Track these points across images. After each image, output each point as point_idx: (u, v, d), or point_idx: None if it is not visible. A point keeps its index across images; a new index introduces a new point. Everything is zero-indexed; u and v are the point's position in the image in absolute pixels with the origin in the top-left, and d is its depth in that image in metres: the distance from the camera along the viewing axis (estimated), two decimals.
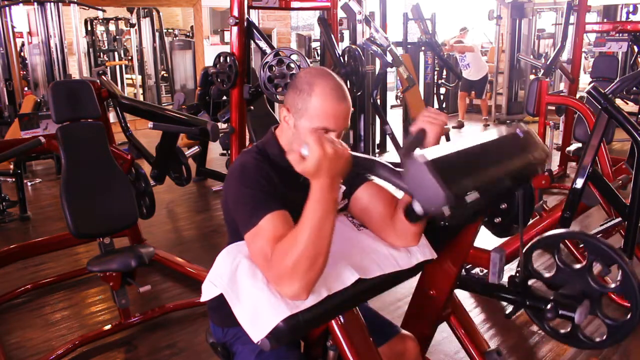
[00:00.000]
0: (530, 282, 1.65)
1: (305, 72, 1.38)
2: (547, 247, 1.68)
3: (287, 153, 1.15)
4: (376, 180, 1.50)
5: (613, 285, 1.56)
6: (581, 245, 3.13)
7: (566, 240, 3.17)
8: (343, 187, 1.48)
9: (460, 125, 8.01)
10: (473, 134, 1.33)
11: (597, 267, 1.55)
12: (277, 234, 1.19)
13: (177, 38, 10.37)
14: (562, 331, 1.63)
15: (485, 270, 1.75)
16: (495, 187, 1.21)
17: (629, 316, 1.50)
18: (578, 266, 1.56)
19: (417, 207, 1.09)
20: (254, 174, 1.31)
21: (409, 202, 1.12)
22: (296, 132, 1.34)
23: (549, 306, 1.53)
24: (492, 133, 1.30)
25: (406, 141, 1.33)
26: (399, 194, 1.42)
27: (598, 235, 3.13)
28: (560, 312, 1.52)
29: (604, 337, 1.56)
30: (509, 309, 1.73)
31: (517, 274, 1.63)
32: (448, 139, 6.24)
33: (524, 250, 1.62)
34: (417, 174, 1.05)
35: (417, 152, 1.08)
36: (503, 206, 1.60)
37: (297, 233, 1.14)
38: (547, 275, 1.61)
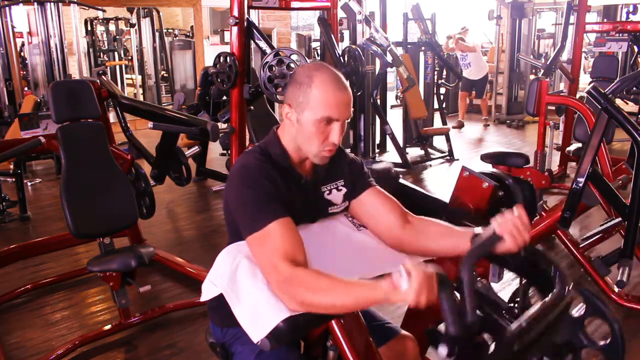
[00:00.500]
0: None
1: (303, 67, 1.39)
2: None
3: (392, 274, 1.08)
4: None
5: (601, 343, 1.55)
6: (582, 245, 3.14)
7: (566, 240, 3.17)
8: (344, 190, 1.48)
9: (460, 125, 8.02)
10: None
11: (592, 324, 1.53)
12: (284, 242, 1.20)
13: (177, 38, 10.37)
14: None
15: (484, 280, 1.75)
16: None
17: None
18: (574, 316, 1.56)
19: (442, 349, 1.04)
20: (257, 175, 1.31)
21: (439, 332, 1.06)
22: (300, 127, 1.34)
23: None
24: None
25: (480, 238, 1.23)
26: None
27: (598, 235, 3.15)
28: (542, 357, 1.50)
29: None
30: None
31: (515, 306, 1.60)
32: (448, 139, 6.25)
33: (523, 283, 1.61)
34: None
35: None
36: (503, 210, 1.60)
37: (332, 287, 1.14)
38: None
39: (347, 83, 1.35)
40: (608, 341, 1.50)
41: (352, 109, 1.36)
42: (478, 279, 1.73)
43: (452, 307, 1.03)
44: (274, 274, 1.18)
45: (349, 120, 1.39)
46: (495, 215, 1.57)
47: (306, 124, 1.32)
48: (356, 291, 1.12)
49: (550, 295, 1.22)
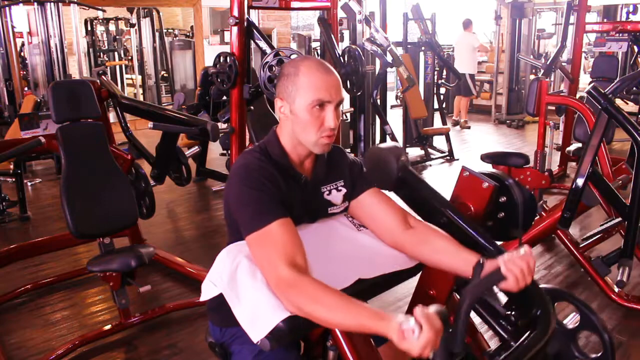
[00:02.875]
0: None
1: (288, 62, 1.41)
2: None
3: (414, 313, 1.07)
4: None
5: (593, 356, 1.55)
6: (582, 245, 3.13)
7: (566, 240, 3.17)
8: (344, 190, 1.48)
9: (464, 126, 8.07)
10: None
11: (583, 338, 1.54)
12: (285, 243, 1.20)
13: (177, 38, 10.37)
14: None
15: None
16: None
17: None
18: (570, 327, 1.56)
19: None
20: (258, 174, 1.31)
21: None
22: (295, 118, 1.34)
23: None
24: None
25: (484, 275, 1.21)
26: (405, 206, 1.44)
27: (598, 235, 3.15)
28: None
29: None
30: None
31: (513, 314, 1.59)
32: (448, 139, 6.25)
33: None
34: None
35: None
36: (500, 215, 1.60)
37: (338, 307, 1.12)
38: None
39: (332, 67, 1.36)
40: (600, 354, 1.50)
41: (342, 93, 1.36)
42: None
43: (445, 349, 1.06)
44: (273, 275, 1.18)
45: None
46: (494, 225, 1.57)
47: (300, 112, 1.32)
48: (362, 318, 1.10)
49: (532, 335, 1.25)
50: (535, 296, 1.30)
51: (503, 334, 1.45)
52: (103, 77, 3.68)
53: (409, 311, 1.76)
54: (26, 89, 6.91)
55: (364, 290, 1.29)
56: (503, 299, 1.36)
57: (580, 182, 2.63)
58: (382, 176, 1.52)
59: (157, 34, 9.17)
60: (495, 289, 1.37)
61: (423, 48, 6.91)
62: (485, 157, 2.32)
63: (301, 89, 1.31)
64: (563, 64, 5.51)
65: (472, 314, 1.31)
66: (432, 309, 1.05)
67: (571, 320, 1.58)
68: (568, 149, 4.82)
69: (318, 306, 1.13)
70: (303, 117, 1.32)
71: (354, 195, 1.48)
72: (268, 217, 1.23)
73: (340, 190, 1.47)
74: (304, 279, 1.16)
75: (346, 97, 4.52)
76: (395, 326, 1.04)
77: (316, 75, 1.31)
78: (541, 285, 1.46)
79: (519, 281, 1.19)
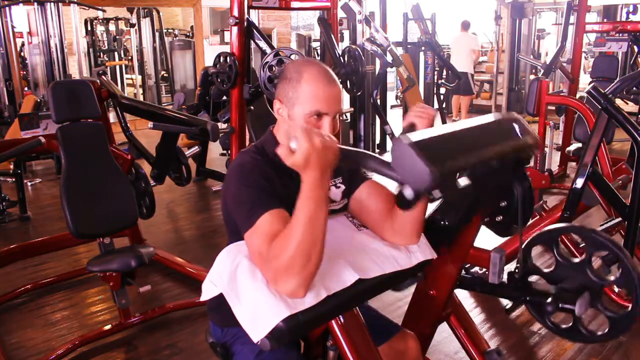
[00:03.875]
0: (530, 279, 1.65)
1: (292, 63, 1.41)
2: (546, 241, 1.68)
3: (277, 147, 1.14)
4: (376, 178, 1.51)
5: (613, 278, 1.55)
6: (582, 245, 3.13)
7: (566, 240, 3.17)
8: (342, 187, 1.48)
9: None
10: (462, 120, 1.32)
11: (596, 262, 1.54)
12: (273, 232, 1.19)
13: (177, 38, 10.37)
14: (564, 326, 1.62)
15: (485, 270, 1.75)
16: (485, 170, 1.18)
17: (629, 308, 1.50)
18: (577, 260, 1.56)
19: (407, 191, 1.07)
20: (253, 173, 1.31)
21: (399, 190, 1.11)
22: (291, 123, 1.34)
23: (549, 300, 1.52)
24: (482, 119, 1.28)
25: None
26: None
27: None
28: (560, 305, 1.51)
29: (606, 331, 1.56)
30: (509, 306, 1.72)
31: (517, 270, 1.63)
32: None
33: (523, 246, 1.62)
34: (403, 156, 1.03)
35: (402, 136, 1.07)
36: (503, 204, 1.59)
37: (291, 229, 1.14)
38: (546, 270, 1.61)
39: (335, 77, 1.36)
40: (618, 274, 1.50)
41: (342, 104, 1.37)
42: (480, 270, 1.75)
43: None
44: (266, 266, 1.17)
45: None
46: (495, 215, 1.57)
47: (297, 118, 1.33)
48: (300, 208, 1.12)
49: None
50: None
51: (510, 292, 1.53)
52: (103, 77, 3.69)
53: (409, 311, 1.77)
54: (26, 89, 6.92)
55: (364, 290, 1.29)
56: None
57: (580, 182, 2.63)
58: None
59: (157, 34, 9.18)
60: None
61: (423, 48, 6.92)
62: None
63: (301, 97, 1.32)
64: (563, 64, 5.51)
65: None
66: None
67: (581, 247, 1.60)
68: (568, 149, 4.81)
69: (291, 249, 1.12)
70: (299, 124, 1.32)
71: (352, 190, 1.48)
72: (259, 211, 1.23)
73: (339, 187, 1.48)
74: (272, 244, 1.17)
75: (346, 97, 4.51)
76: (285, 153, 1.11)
77: (318, 85, 1.31)
78: (557, 225, 1.59)
79: (421, 116, 1.38)
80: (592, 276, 1.52)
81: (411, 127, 1.37)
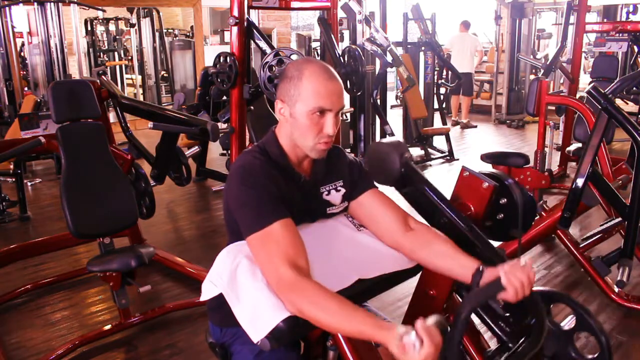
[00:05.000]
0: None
1: (291, 63, 1.40)
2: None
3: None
4: (381, 188, 1.51)
5: (589, 357, 1.56)
6: (582, 245, 3.13)
7: (566, 240, 3.17)
8: (343, 190, 1.48)
9: (464, 126, 8.07)
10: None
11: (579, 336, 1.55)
12: (286, 244, 1.20)
13: (177, 38, 10.37)
14: None
15: None
16: None
17: None
18: (565, 329, 1.56)
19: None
20: (258, 174, 1.31)
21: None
22: (294, 121, 1.34)
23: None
24: None
25: (483, 284, 1.25)
26: (403, 204, 1.43)
27: (598, 235, 3.15)
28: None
29: None
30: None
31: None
32: (448, 139, 6.25)
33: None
34: None
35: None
36: (500, 216, 1.60)
37: (339, 312, 1.12)
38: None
39: (336, 73, 1.35)
40: (596, 355, 1.50)
41: (344, 100, 1.36)
42: None
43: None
44: (274, 275, 1.18)
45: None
46: (492, 226, 1.57)
47: (300, 116, 1.32)
48: (362, 326, 1.10)
49: (526, 343, 1.29)
50: (531, 304, 1.31)
51: (501, 335, 1.45)
52: (103, 77, 3.68)
53: (409, 311, 1.77)
54: (26, 89, 6.91)
55: (364, 290, 1.29)
56: (501, 301, 1.37)
57: (580, 182, 2.63)
58: (384, 172, 1.51)
59: (157, 34, 9.17)
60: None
61: (423, 48, 6.91)
62: (485, 157, 2.32)
63: (303, 94, 1.31)
64: (563, 64, 5.51)
65: (473, 314, 1.32)
66: (432, 320, 1.05)
67: (568, 322, 1.59)
68: (568, 149, 4.81)
69: (319, 310, 1.12)
70: (302, 122, 1.32)
71: (353, 195, 1.48)
72: (269, 217, 1.23)
73: (339, 191, 1.47)
74: (306, 281, 1.16)
75: (346, 97, 4.51)
76: (396, 338, 1.04)
77: (319, 81, 1.31)
78: (538, 288, 1.48)
79: (518, 293, 1.19)
80: (570, 350, 1.53)
81: (500, 288, 1.20)
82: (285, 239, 1.21)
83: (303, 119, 1.31)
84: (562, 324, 1.58)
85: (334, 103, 1.32)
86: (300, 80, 1.31)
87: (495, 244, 1.47)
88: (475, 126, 8.12)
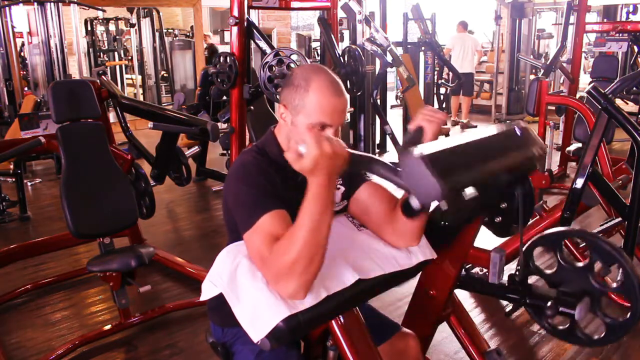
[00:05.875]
0: (531, 281, 1.65)
1: (300, 68, 1.39)
2: (549, 244, 1.69)
3: (284, 151, 1.14)
4: (376, 180, 1.51)
5: (614, 285, 1.56)
6: (582, 245, 3.13)
7: (566, 240, 3.17)
8: (342, 188, 1.48)
9: (465, 126, 8.07)
10: (470, 131, 1.33)
11: (598, 266, 1.55)
12: (273, 233, 1.19)
13: (177, 38, 10.37)
14: (561, 328, 1.63)
15: (485, 270, 1.75)
16: (492, 183, 1.19)
17: (628, 315, 1.50)
18: (579, 264, 1.56)
19: (414, 202, 1.09)
20: (255, 172, 1.31)
21: (405, 197, 1.12)
22: (293, 129, 1.34)
23: (549, 303, 1.53)
24: (490, 129, 1.29)
25: (404, 139, 1.33)
26: (399, 194, 1.42)
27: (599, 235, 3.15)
28: (560, 309, 1.52)
29: (602, 335, 1.56)
30: (509, 307, 1.73)
31: (517, 273, 1.63)
32: None
33: (524, 248, 1.62)
34: (413, 168, 1.04)
35: (414, 147, 1.07)
36: (503, 205, 1.59)
37: (294, 232, 1.14)
38: (548, 272, 1.61)
39: (343, 87, 1.35)
40: (620, 280, 1.51)
41: (347, 114, 1.36)
42: (480, 270, 1.75)
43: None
44: (264, 267, 1.17)
45: (348, 120, 1.39)
46: (495, 216, 1.57)
47: (300, 127, 1.32)
48: (306, 212, 1.12)
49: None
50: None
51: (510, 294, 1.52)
52: (103, 77, 3.68)
53: (409, 311, 1.77)
54: (26, 89, 6.91)
55: (364, 290, 1.29)
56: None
57: (580, 182, 2.63)
58: None
59: (157, 34, 9.17)
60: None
61: (423, 48, 6.92)
62: None
63: (307, 107, 1.30)
64: (563, 64, 5.51)
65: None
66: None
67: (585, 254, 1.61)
68: (568, 149, 4.81)
69: (293, 251, 1.12)
70: (301, 134, 1.31)
71: (351, 192, 1.48)
72: (260, 211, 1.23)
73: (338, 189, 1.47)
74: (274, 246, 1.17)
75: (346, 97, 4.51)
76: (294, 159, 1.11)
77: (325, 97, 1.30)
78: (560, 228, 1.51)
79: (430, 119, 1.32)
80: (594, 282, 1.53)
81: (418, 131, 1.33)
82: (272, 227, 1.20)
83: (303, 129, 1.31)
84: (577, 263, 1.59)
85: (335, 120, 1.31)
86: (306, 92, 1.30)
87: (499, 241, 1.48)
88: (476, 126, 8.12)
